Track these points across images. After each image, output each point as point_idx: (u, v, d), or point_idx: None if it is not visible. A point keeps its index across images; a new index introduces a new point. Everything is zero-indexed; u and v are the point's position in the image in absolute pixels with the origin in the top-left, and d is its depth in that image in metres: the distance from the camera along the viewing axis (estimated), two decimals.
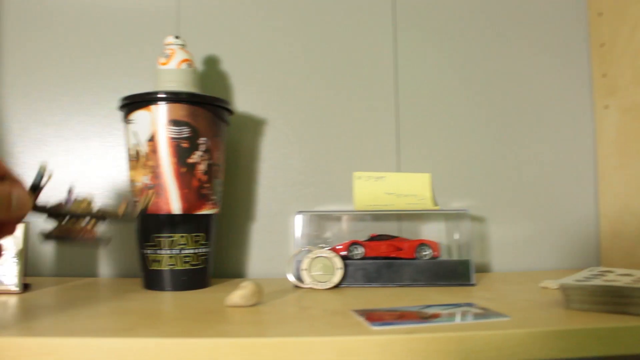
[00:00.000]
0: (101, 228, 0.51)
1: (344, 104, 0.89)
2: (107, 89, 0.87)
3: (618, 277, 0.60)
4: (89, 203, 0.50)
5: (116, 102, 0.81)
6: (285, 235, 0.86)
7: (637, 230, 0.83)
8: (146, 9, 0.88)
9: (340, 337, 0.45)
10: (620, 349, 0.48)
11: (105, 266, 0.85)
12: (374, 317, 0.52)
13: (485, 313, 0.54)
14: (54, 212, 0.49)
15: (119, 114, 0.78)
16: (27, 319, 0.53)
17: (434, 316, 0.52)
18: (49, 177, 0.49)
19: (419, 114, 0.90)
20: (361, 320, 0.51)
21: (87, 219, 0.50)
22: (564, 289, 0.57)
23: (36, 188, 0.48)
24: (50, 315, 0.55)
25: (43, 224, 0.50)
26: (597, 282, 0.56)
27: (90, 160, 0.86)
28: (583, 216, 0.92)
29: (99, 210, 0.50)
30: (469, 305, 0.58)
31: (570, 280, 0.58)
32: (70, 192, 0.50)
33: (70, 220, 0.50)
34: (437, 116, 0.90)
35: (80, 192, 0.52)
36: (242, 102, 0.86)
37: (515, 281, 0.76)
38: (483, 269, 0.88)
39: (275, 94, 0.88)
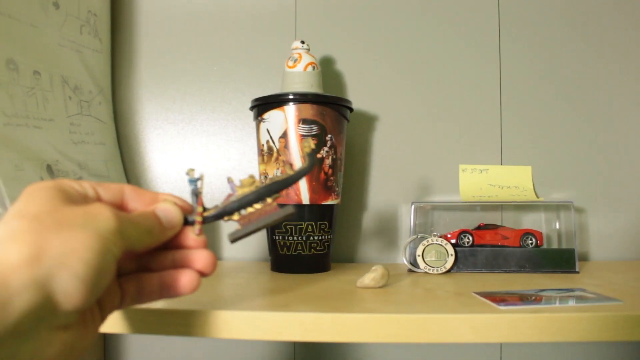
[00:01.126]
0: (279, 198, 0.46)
1: (450, 101, 0.95)
2: (229, 88, 0.96)
3: None
4: (254, 180, 0.46)
5: (236, 101, 0.91)
6: (395, 224, 0.93)
7: None
8: (264, 13, 0.97)
9: (474, 315, 0.52)
10: None
11: (227, 249, 0.95)
12: (496, 298, 0.58)
13: (598, 297, 0.59)
14: (227, 210, 0.45)
15: (241, 112, 0.87)
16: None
17: (551, 298, 0.58)
18: (202, 178, 0.45)
19: (521, 110, 0.94)
20: (486, 301, 0.58)
21: (263, 195, 0.45)
22: None
23: (196, 194, 0.44)
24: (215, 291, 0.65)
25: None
26: None
27: (217, 153, 0.96)
28: None
29: (271, 181, 0.45)
30: (582, 290, 0.64)
31: None
32: (229, 180, 0.46)
33: (247, 209, 0.45)
34: (537, 112, 0.94)
35: (237, 175, 0.50)
36: (355, 100, 0.94)
37: (618, 269, 0.81)
38: (582, 258, 0.93)
39: (386, 93, 0.95)
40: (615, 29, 0.96)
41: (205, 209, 0.45)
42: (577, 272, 0.77)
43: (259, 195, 0.45)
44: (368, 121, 0.95)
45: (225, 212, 0.45)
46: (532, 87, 0.95)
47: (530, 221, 0.91)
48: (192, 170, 0.45)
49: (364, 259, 0.94)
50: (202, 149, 0.97)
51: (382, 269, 0.66)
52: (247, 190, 0.45)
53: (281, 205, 0.46)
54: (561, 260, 0.78)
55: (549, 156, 0.94)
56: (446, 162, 0.94)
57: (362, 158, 0.95)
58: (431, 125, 0.95)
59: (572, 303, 0.57)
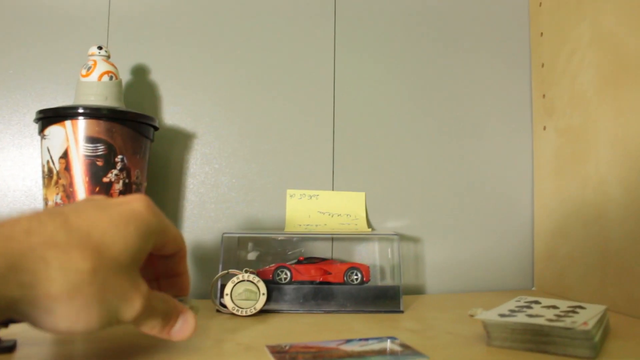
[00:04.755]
0: None
1: (279, 121, 0.86)
2: (29, 97, 0.82)
3: (542, 311, 0.58)
4: None
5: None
6: (213, 255, 0.83)
7: (569, 253, 0.82)
8: (75, 14, 0.83)
9: None
10: None
11: None
12: (285, 357, 0.49)
13: (402, 353, 0.51)
14: None
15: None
16: None
17: (351, 355, 0.50)
18: None
19: (356, 131, 0.87)
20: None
21: None
22: (485, 325, 0.55)
23: None
24: None
25: None
26: (519, 318, 0.55)
27: (6, 171, 0.81)
28: (519, 237, 0.92)
29: None
30: (392, 339, 0.56)
31: (493, 314, 0.56)
32: None
33: None
34: (373, 134, 0.88)
35: None
36: (172, 114, 0.83)
37: (446, 307, 0.75)
38: (418, 291, 0.87)
39: (208, 109, 0.85)
40: (446, 63, 0.92)
41: None
42: (402, 312, 0.70)
43: None
44: (185, 139, 0.84)
45: None
46: (367, 109, 0.88)
47: (363, 252, 0.84)
48: None
49: None
50: None
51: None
52: None
53: None
54: (386, 298, 0.71)
55: (385, 182, 0.88)
56: (273, 186, 0.85)
57: (178, 179, 0.84)
58: (257, 145, 0.85)
59: None
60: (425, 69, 0.91)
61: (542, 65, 0.91)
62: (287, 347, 0.53)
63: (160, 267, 0.48)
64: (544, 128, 0.90)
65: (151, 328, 0.42)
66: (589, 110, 0.78)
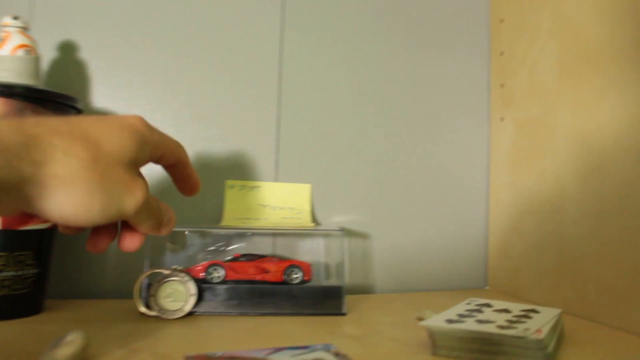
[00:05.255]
0: None
1: (218, 104, 0.79)
2: None
3: (493, 315, 0.54)
4: None
5: None
6: (140, 251, 0.75)
7: (523, 251, 0.78)
8: None
9: None
10: None
11: None
12: None
13: None
14: None
15: None
16: None
17: None
18: None
19: (303, 119, 0.81)
20: None
21: None
22: (430, 333, 0.50)
23: None
24: None
25: None
26: (468, 324, 0.50)
27: None
28: (473, 234, 0.87)
29: None
30: (327, 348, 0.51)
31: (439, 320, 0.51)
32: None
33: None
34: (322, 123, 0.82)
35: None
36: (103, 96, 0.75)
37: (393, 308, 0.70)
38: (366, 290, 0.82)
39: (141, 90, 0.77)
40: (401, 50, 0.87)
41: None
42: (344, 314, 0.65)
43: None
44: None
45: None
46: (316, 95, 0.82)
47: (307, 249, 0.78)
48: None
49: (105, 293, 0.75)
50: None
51: (80, 340, 0.47)
52: None
53: None
54: (327, 299, 0.65)
55: (332, 174, 0.82)
56: (211, 176, 0.78)
57: None
58: (195, 132, 0.78)
59: None
60: (377, 56, 0.85)
61: (502, 54, 0.86)
62: (207, 358, 0.47)
63: (171, 175, 0.51)
64: (502, 119, 0.85)
65: (147, 225, 0.43)
66: (548, 101, 0.74)
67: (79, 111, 0.65)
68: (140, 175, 0.42)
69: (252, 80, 0.80)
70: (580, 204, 0.67)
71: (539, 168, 0.75)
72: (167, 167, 0.49)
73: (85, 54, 0.76)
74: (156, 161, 0.46)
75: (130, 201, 0.39)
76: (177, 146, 0.48)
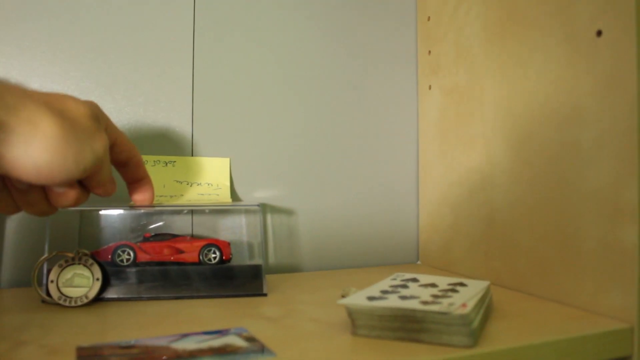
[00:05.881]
0: None
1: (126, 71, 0.72)
2: None
3: (419, 291, 0.51)
4: None
5: None
6: (41, 233, 0.69)
7: (453, 224, 0.76)
8: None
9: None
10: None
11: None
12: None
13: (248, 348, 0.42)
14: None
15: None
16: None
17: (180, 356, 0.40)
18: None
19: (220, 88, 0.76)
20: None
21: None
22: (348, 311, 0.46)
23: None
24: None
25: None
26: (390, 301, 0.46)
27: None
28: (404, 207, 0.85)
29: None
30: (239, 332, 0.46)
31: (359, 298, 0.48)
32: None
33: None
34: (240, 92, 0.77)
35: None
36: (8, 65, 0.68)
37: (318, 287, 0.66)
38: (293, 269, 0.78)
39: (40, 59, 0.69)
40: (324, 15, 0.82)
41: None
42: (265, 295, 0.61)
43: None
44: None
45: None
46: (233, 62, 0.77)
47: (228, 228, 0.73)
48: None
49: (3, 281, 0.68)
50: None
51: None
52: None
53: None
54: (247, 280, 0.61)
55: (253, 147, 0.77)
56: None
57: None
58: (101, 103, 0.68)
59: None
60: (298, 24, 0.80)
61: (428, 19, 0.83)
62: (101, 349, 0.42)
63: (123, 176, 0.54)
64: (430, 87, 0.82)
65: (106, 177, 0.46)
66: (475, 67, 0.71)
67: None
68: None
69: (164, 47, 0.74)
70: (510, 172, 0.65)
71: (468, 137, 0.73)
72: (121, 168, 0.53)
73: None
74: (111, 148, 0.48)
75: (98, 143, 0.42)
76: (130, 141, 0.52)
